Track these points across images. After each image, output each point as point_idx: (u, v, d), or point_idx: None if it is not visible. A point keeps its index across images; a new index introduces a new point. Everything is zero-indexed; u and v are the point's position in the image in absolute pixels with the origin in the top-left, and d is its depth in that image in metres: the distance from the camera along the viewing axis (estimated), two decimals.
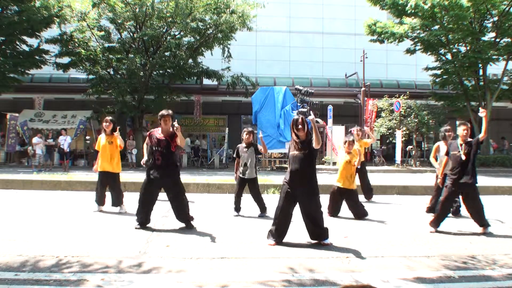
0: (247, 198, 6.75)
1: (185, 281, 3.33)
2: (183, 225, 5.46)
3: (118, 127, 6.75)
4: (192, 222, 5.45)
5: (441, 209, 5.50)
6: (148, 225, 5.37)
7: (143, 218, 5.34)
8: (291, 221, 4.71)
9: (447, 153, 5.74)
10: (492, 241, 5.02)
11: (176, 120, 5.32)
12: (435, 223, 5.49)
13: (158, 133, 5.42)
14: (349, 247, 4.53)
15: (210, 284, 3.28)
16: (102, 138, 6.71)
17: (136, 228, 5.27)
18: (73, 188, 9.22)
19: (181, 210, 5.40)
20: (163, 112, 5.42)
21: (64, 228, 5.30)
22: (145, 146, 5.96)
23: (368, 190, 8.27)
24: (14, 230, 5.09)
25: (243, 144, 6.58)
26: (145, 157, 5.79)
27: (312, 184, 4.61)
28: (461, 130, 5.48)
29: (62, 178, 10.02)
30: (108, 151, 6.57)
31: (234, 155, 6.70)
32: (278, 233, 4.63)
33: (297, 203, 4.67)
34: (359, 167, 7.95)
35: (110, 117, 6.80)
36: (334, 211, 6.48)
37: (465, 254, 4.35)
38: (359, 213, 6.35)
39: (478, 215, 5.43)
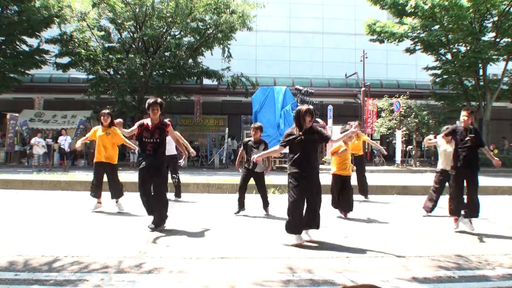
0: (247, 198, 6.74)
1: (185, 281, 3.33)
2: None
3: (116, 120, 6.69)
4: (165, 223, 5.28)
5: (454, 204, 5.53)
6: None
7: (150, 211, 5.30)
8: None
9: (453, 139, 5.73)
10: (492, 241, 5.02)
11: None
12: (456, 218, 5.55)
13: (148, 123, 5.21)
14: (349, 247, 4.53)
15: (210, 284, 3.28)
16: (99, 130, 6.64)
17: (149, 227, 5.12)
18: (73, 188, 9.21)
19: (158, 205, 5.18)
20: (150, 100, 5.11)
21: (64, 228, 5.30)
22: (127, 131, 5.59)
23: (365, 189, 8.24)
24: (14, 230, 5.09)
25: (252, 139, 6.49)
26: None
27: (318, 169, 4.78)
28: (462, 116, 5.48)
29: (62, 178, 10.01)
30: (104, 142, 6.51)
31: (241, 148, 6.63)
32: (297, 226, 4.62)
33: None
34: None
35: (108, 111, 6.76)
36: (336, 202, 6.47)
37: (465, 254, 4.34)
38: (351, 204, 6.36)
39: (474, 205, 5.42)
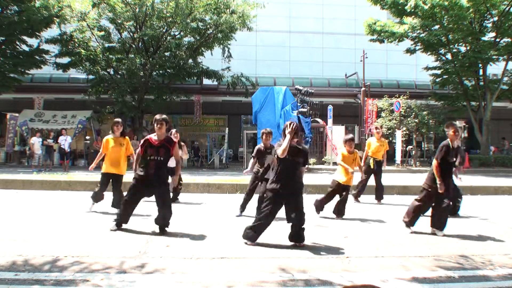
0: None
1: (186, 281, 3.34)
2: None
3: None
4: (166, 228, 5.15)
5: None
6: (124, 226, 5.21)
7: (124, 219, 5.17)
8: None
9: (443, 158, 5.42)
10: (492, 241, 5.03)
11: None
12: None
13: (153, 139, 5.12)
14: (349, 247, 4.53)
15: (210, 284, 3.29)
16: (110, 141, 6.49)
17: (111, 230, 5.09)
18: (73, 188, 9.22)
19: (166, 216, 5.13)
20: (157, 116, 5.12)
21: (64, 228, 5.30)
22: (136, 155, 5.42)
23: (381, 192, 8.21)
24: (14, 230, 5.09)
25: (262, 145, 6.26)
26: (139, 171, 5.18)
27: (301, 184, 4.72)
28: (451, 133, 5.30)
29: (62, 178, 10.01)
30: (117, 155, 6.43)
31: (253, 155, 6.33)
32: (257, 235, 4.63)
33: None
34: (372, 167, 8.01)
35: (119, 120, 6.63)
36: (322, 207, 6.50)
37: (465, 254, 4.35)
38: (342, 211, 6.41)
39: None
